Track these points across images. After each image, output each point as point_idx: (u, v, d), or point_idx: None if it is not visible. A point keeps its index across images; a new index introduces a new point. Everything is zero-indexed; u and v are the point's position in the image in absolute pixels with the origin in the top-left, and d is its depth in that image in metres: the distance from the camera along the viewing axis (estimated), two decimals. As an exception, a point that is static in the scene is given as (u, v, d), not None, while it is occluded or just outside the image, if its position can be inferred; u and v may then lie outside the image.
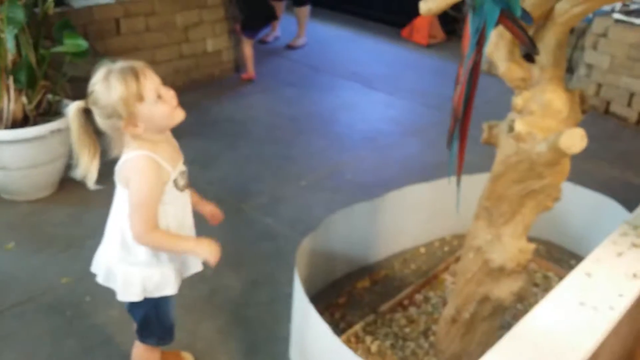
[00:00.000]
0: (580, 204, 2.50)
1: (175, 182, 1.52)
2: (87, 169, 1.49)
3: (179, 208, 1.57)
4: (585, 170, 3.16)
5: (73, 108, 1.44)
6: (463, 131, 1.62)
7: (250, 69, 4.39)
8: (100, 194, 1.60)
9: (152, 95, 1.43)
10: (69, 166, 2.86)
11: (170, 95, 1.47)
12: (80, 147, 1.48)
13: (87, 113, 1.44)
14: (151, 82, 1.43)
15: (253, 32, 4.30)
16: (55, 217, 2.70)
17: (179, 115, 1.50)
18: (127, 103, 1.39)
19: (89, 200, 2.75)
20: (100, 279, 1.61)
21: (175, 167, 1.53)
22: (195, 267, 1.66)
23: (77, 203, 2.78)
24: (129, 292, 1.56)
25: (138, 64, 1.43)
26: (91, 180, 1.49)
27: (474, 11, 1.55)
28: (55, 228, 2.63)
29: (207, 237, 1.73)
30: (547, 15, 1.77)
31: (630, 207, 2.22)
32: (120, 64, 1.42)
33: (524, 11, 1.54)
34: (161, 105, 1.44)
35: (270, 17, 4.37)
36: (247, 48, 4.31)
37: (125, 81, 1.39)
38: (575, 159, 1.68)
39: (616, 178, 3.23)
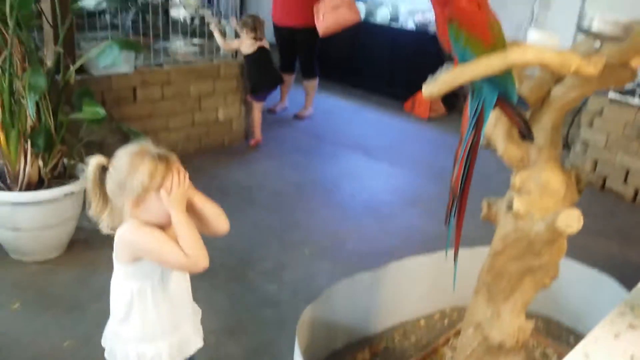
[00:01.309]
0: (579, 281, 2.54)
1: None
2: (98, 215, 1.51)
3: (175, 290, 1.58)
4: (584, 246, 3.20)
5: (94, 162, 1.48)
6: (460, 209, 1.69)
7: (258, 134, 4.55)
8: (109, 257, 1.64)
9: (168, 186, 1.44)
10: (78, 228, 2.95)
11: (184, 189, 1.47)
12: (92, 197, 1.50)
13: (104, 170, 1.48)
14: (175, 180, 1.44)
15: (261, 95, 4.48)
16: (62, 278, 2.74)
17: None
18: (144, 189, 1.42)
19: (97, 263, 2.80)
20: (106, 354, 1.63)
21: None
22: (195, 344, 1.66)
23: (84, 265, 2.82)
24: None
25: (173, 157, 1.47)
26: (103, 227, 1.52)
27: (473, 94, 1.66)
28: (61, 290, 2.65)
29: (211, 303, 1.77)
30: (544, 99, 1.88)
31: (628, 284, 2.26)
32: (159, 150, 1.46)
33: (520, 98, 1.64)
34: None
35: (276, 81, 4.55)
36: (257, 113, 4.50)
37: (155, 170, 1.42)
38: (574, 234, 1.73)
39: (614, 254, 3.27)
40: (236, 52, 4.45)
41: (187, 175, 1.49)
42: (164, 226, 1.49)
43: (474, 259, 2.03)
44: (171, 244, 1.44)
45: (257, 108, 4.50)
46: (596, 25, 1.53)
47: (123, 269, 1.53)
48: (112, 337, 1.61)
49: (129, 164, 1.43)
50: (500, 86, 1.58)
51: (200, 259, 1.45)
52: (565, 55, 1.50)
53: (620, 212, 3.85)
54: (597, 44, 1.55)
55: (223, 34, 4.37)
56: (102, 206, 1.50)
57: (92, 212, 1.52)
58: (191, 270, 1.51)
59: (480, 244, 2.04)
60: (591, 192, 4.06)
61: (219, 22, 4.61)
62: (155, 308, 1.55)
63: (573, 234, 1.63)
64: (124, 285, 1.55)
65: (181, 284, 1.61)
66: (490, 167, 2.54)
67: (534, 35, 2.03)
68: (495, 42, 1.50)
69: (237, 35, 4.40)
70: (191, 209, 1.52)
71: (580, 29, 1.60)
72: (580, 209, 1.68)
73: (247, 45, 4.32)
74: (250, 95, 4.46)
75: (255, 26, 4.31)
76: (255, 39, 4.32)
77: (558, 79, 1.80)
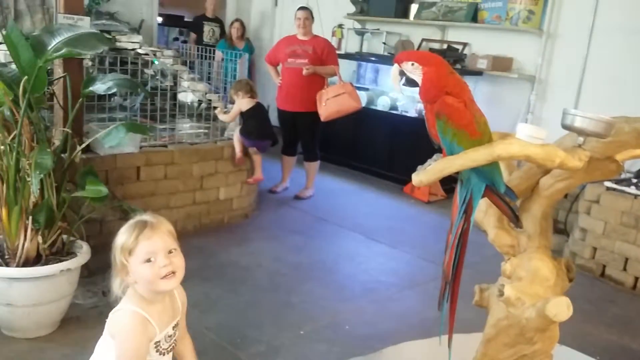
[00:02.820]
0: (578, 370, 2.49)
1: (157, 344, 1.54)
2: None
3: None
4: (584, 333, 3.16)
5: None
6: (453, 294, 1.71)
7: (258, 172, 4.63)
8: (98, 334, 1.64)
9: (142, 256, 1.49)
10: (72, 305, 2.93)
11: (162, 264, 1.50)
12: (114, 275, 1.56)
13: None
14: (151, 244, 1.49)
15: (255, 142, 4.54)
16: (52, 357, 2.69)
17: (165, 286, 1.51)
18: (121, 252, 1.49)
19: (87, 341, 2.73)
20: None
21: (163, 329, 1.55)
22: None
23: (75, 344, 2.78)
24: None
25: (157, 223, 1.52)
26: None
27: (462, 183, 1.72)
28: (49, 368, 2.61)
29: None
30: (533, 188, 1.94)
31: (627, 376, 2.22)
32: (142, 217, 1.54)
33: (508, 188, 1.70)
34: (146, 269, 1.49)
35: (271, 133, 4.70)
36: (255, 156, 4.58)
37: (128, 232, 1.50)
38: (573, 321, 1.73)
39: (614, 342, 3.21)
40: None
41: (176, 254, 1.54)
42: (160, 295, 1.53)
43: (469, 344, 2.01)
44: None
45: (253, 151, 4.57)
46: (579, 123, 1.61)
47: (112, 342, 1.54)
48: None
49: (121, 232, 1.52)
50: (488, 177, 1.64)
51: None
52: (549, 149, 1.57)
53: (620, 300, 3.81)
54: (580, 139, 1.62)
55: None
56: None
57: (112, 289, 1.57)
58: None
59: (479, 327, 2.02)
60: (591, 279, 4.04)
61: (225, 106, 4.80)
62: None
63: (567, 319, 1.64)
64: (109, 356, 1.55)
65: None
66: (489, 249, 2.57)
67: (522, 129, 2.12)
68: (481, 136, 1.58)
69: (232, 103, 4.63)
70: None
71: (563, 125, 1.67)
72: (579, 295, 1.69)
73: (245, 103, 4.57)
74: (244, 138, 4.48)
75: (249, 88, 4.63)
76: (252, 97, 4.59)
77: (546, 169, 1.86)
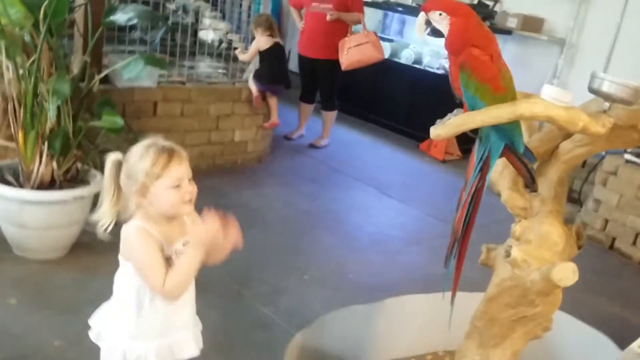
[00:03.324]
0: (575, 337, 2.51)
1: (168, 260, 1.56)
2: (105, 213, 1.58)
3: None
4: (585, 303, 3.17)
5: (112, 157, 1.57)
6: (461, 252, 1.71)
7: (274, 117, 4.59)
8: (110, 263, 1.68)
9: (172, 182, 1.51)
10: (83, 232, 2.99)
11: (188, 191, 1.55)
12: (106, 191, 1.58)
13: (120, 165, 1.56)
14: (178, 171, 1.52)
15: (265, 86, 4.46)
16: (61, 279, 2.77)
17: (185, 209, 1.56)
18: (147, 176, 1.49)
19: (97, 267, 2.83)
20: (92, 335, 1.66)
21: (170, 244, 1.56)
22: (189, 350, 1.67)
23: (85, 269, 2.85)
24: (110, 358, 1.61)
25: (179, 150, 1.55)
26: (103, 226, 1.57)
27: (480, 140, 1.68)
28: (58, 290, 2.68)
29: (202, 317, 1.79)
30: (552, 152, 1.90)
31: (624, 346, 2.23)
32: (165, 142, 1.54)
33: (527, 149, 1.67)
34: (173, 194, 1.52)
35: (285, 77, 4.63)
36: (270, 98, 4.51)
37: (157, 158, 1.50)
38: (576, 290, 1.73)
39: (615, 314, 3.23)
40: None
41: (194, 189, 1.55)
42: (169, 219, 1.55)
43: (471, 303, 2.02)
44: (157, 267, 1.49)
45: (269, 95, 4.51)
46: (606, 87, 1.56)
47: (127, 264, 1.58)
48: (104, 323, 1.64)
49: (137, 155, 1.52)
50: (508, 135, 1.61)
51: (173, 295, 1.52)
52: (573, 112, 1.53)
53: (626, 274, 3.80)
54: (606, 105, 1.58)
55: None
56: (114, 202, 1.57)
57: (99, 211, 1.58)
58: (157, 296, 1.54)
59: (482, 287, 2.03)
60: (599, 250, 4.02)
61: (246, 48, 4.72)
62: (151, 308, 1.58)
63: (571, 288, 1.63)
64: (126, 280, 1.60)
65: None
66: (502, 212, 2.55)
67: (547, 90, 2.06)
68: (505, 92, 1.53)
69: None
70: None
71: (589, 89, 1.62)
72: (586, 266, 1.68)
73: (263, 41, 4.46)
74: (256, 81, 4.43)
75: (269, 24, 4.48)
76: (271, 35, 4.47)
77: (567, 134, 1.82)
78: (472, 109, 1.55)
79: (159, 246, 1.53)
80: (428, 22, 1.56)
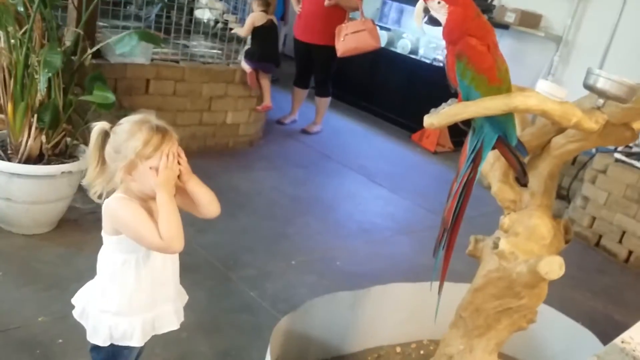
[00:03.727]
0: (559, 331, 2.53)
1: None
2: (92, 181, 1.55)
3: (159, 268, 1.61)
4: (570, 298, 3.20)
5: (99, 125, 1.54)
6: (450, 242, 1.71)
7: (267, 99, 4.56)
8: (96, 239, 1.66)
9: (159, 163, 1.48)
10: (71, 208, 2.96)
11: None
12: (90, 160, 1.55)
13: (107, 135, 1.53)
14: (168, 152, 1.49)
15: (254, 64, 4.42)
16: (47, 255, 2.75)
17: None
18: (137, 154, 1.47)
19: (83, 244, 2.81)
20: (75, 314, 1.65)
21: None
22: (170, 324, 1.67)
23: (71, 245, 2.83)
24: (96, 336, 1.60)
25: (171, 131, 1.52)
26: (94, 194, 1.55)
27: (474, 131, 1.68)
28: (44, 265, 2.66)
29: (189, 298, 1.78)
30: (544, 147, 1.91)
31: (605, 341, 2.25)
32: (159, 122, 1.52)
33: (520, 142, 1.67)
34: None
35: (275, 56, 4.60)
36: (262, 79, 4.48)
37: (150, 137, 1.47)
38: (562, 285, 1.74)
39: (598, 310, 3.26)
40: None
41: (182, 157, 1.54)
42: (149, 197, 1.53)
43: (456, 294, 2.03)
44: (149, 224, 1.47)
45: (263, 75, 4.48)
46: (602, 84, 1.56)
47: (109, 240, 1.57)
48: (88, 300, 1.63)
49: (128, 130, 1.49)
50: (501, 127, 1.61)
51: (174, 244, 1.48)
52: (567, 107, 1.52)
53: (611, 271, 3.84)
54: (600, 101, 1.58)
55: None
56: (98, 172, 1.54)
57: (86, 179, 1.56)
58: (164, 252, 1.54)
59: (468, 279, 2.04)
60: (585, 247, 4.06)
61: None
62: (136, 282, 1.57)
63: (556, 283, 1.64)
64: (110, 256, 1.59)
65: (166, 263, 1.63)
66: (490, 206, 2.56)
67: (542, 85, 2.06)
68: (500, 83, 1.53)
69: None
70: (184, 190, 1.58)
71: (585, 85, 1.62)
72: (572, 262, 1.69)
73: (258, 17, 4.42)
74: (247, 61, 4.40)
75: (267, 2, 4.45)
76: (266, 12, 4.44)
77: (560, 129, 1.82)
78: (467, 98, 1.55)
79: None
80: (426, 10, 1.55)
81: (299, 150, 4.93)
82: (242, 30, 4.48)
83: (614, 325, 3.09)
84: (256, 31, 4.45)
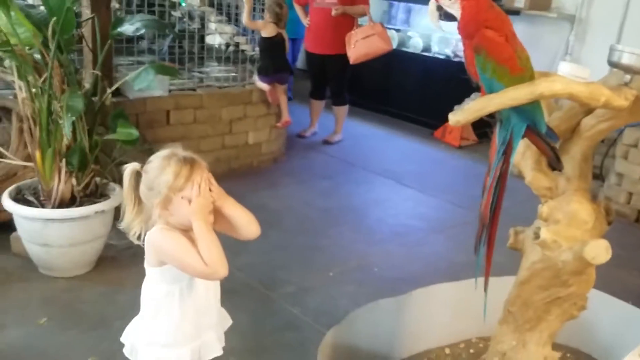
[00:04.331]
0: (610, 314, 2.47)
1: None
2: (130, 223, 1.57)
3: (202, 296, 1.62)
4: (617, 278, 3.12)
5: (130, 167, 1.56)
6: (490, 237, 1.68)
7: (285, 115, 4.57)
8: (136, 275, 1.68)
9: (192, 193, 1.49)
10: (107, 246, 3.00)
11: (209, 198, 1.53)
12: (127, 201, 1.57)
13: (139, 175, 1.55)
14: (199, 181, 1.50)
15: (269, 79, 4.43)
16: (89, 295, 2.78)
17: (209, 219, 1.53)
18: (169, 188, 1.48)
19: (123, 280, 2.84)
20: (126, 351, 1.67)
21: None
22: (214, 351, 1.68)
23: (111, 283, 2.86)
24: None
25: (199, 160, 1.53)
26: (133, 236, 1.57)
27: (501, 123, 1.66)
28: (87, 306, 2.70)
29: (233, 324, 1.78)
30: (574, 129, 1.87)
31: (661, 321, 2.20)
32: (185, 153, 1.53)
33: (549, 129, 1.64)
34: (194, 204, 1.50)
35: (284, 67, 4.56)
36: (280, 95, 4.47)
37: (179, 170, 1.49)
38: (607, 266, 1.70)
39: (648, 289, 3.17)
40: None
41: (213, 183, 1.55)
42: (190, 228, 1.53)
43: (500, 288, 1.99)
44: (193, 252, 1.48)
45: (280, 90, 4.49)
46: (627, 59, 1.52)
47: (153, 272, 1.58)
48: (136, 336, 1.64)
49: (157, 166, 1.51)
50: (529, 117, 1.58)
51: (219, 269, 1.48)
52: (594, 87, 1.49)
53: (655, 246, 3.74)
54: (627, 77, 1.54)
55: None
56: (136, 212, 1.56)
57: (125, 221, 1.58)
58: (210, 279, 1.55)
59: (510, 271, 2.00)
60: (625, 224, 3.96)
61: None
62: (181, 313, 1.58)
63: (601, 265, 1.60)
64: (153, 288, 1.60)
65: (209, 291, 1.64)
66: (522, 194, 2.52)
67: (564, 68, 2.02)
68: (522, 72, 1.51)
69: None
70: (221, 214, 1.58)
71: (609, 62, 1.59)
72: (613, 241, 1.65)
73: (268, 29, 4.41)
74: (261, 78, 4.44)
75: (275, 14, 4.42)
76: (277, 25, 4.43)
77: (588, 110, 1.79)
78: (490, 91, 1.53)
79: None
80: (439, 8, 1.54)
81: (323, 162, 4.93)
82: (249, 22, 4.43)
83: (666, 302, 3.01)
84: (265, 43, 4.46)
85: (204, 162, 1.55)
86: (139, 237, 1.56)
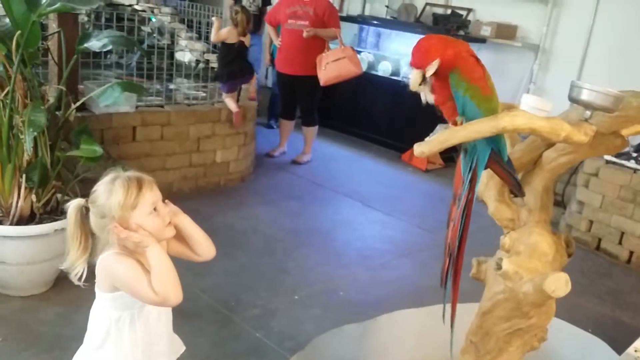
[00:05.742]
0: (570, 342, 2.50)
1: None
2: (74, 262, 1.52)
3: (154, 323, 1.59)
4: (577, 305, 3.18)
5: (74, 203, 1.51)
6: (457, 269, 1.69)
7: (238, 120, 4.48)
8: (93, 294, 1.63)
9: (148, 207, 1.48)
10: (66, 265, 2.92)
11: (165, 211, 1.52)
12: (72, 240, 1.52)
13: (86, 211, 1.50)
14: (151, 195, 1.50)
15: (227, 86, 4.39)
16: (45, 315, 2.70)
17: (169, 232, 1.54)
18: (123, 208, 1.45)
19: (81, 300, 2.74)
20: None
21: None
22: None
23: (69, 303, 2.78)
24: None
25: (145, 176, 1.52)
26: (75, 276, 1.52)
27: (466, 153, 1.68)
28: (43, 327, 2.61)
29: (193, 347, 1.75)
30: (536, 161, 1.90)
31: (619, 347, 2.24)
32: (129, 173, 1.51)
33: (509, 160, 1.67)
34: (154, 218, 1.50)
35: (241, 72, 4.50)
36: (231, 102, 4.41)
37: (127, 188, 1.47)
38: (567, 293, 1.72)
39: (606, 315, 3.24)
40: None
41: (167, 203, 1.54)
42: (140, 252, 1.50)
43: (464, 315, 2.00)
44: (143, 279, 1.45)
45: (229, 97, 4.43)
46: (586, 95, 1.56)
47: (104, 297, 1.54)
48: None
49: (104, 190, 1.48)
50: (493, 140, 1.60)
51: (171, 296, 1.45)
52: (555, 122, 1.53)
53: (614, 274, 3.83)
54: (587, 113, 1.58)
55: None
56: (81, 251, 1.51)
57: (68, 261, 1.52)
58: (162, 306, 1.52)
59: (475, 298, 2.02)
60: (586, 252, 4.05)
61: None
62: (130, 340, 1.54)
63: (560, 297, 1.62)
64: (104, 313, 1.55)
65: (161, 317, 1.60)
66: (486, 219, 2.56)
67: (527, 100, 2.07)
68: (491, 94, 1.55)
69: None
70: (179, 236, 1.57)
71: (569, 98, 1.63)
72: (574, 268, 1.68)
73: (232, 34, 4.37)
74: (221, 86, 4.40)
75: (234, 22, 4.37)
76: (238, 33, 4.40)
77: (550, 143, 1.82)
78: (463, 109, 1.55)
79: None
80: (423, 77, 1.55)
81: (291, 182, 4.92)
82: (215, 34, 4.41)
83: (624, 330, 3.07)
84: (225, 48, 4.42)
85: (150, 177, 1.53)
86: (80, 278, 1.51)
